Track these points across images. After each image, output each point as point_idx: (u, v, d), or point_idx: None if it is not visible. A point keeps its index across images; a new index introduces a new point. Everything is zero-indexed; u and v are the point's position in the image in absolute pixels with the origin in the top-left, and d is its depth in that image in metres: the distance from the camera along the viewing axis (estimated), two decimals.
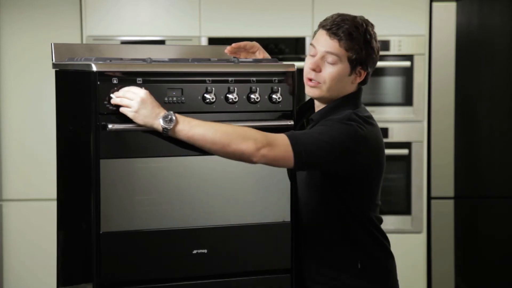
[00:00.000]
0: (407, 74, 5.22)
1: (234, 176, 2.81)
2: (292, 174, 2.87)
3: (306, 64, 2.83)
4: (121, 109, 2.64)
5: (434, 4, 5.23)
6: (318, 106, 2.88)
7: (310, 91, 2.83)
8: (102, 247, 2.68)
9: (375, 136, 2.80)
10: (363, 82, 2.86)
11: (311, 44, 2.84)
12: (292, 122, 2.84)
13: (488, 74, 5.30)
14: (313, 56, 2.81)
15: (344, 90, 2.83)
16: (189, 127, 2.64)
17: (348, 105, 2.82)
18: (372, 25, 2.83)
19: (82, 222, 2.78)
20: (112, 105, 2.64)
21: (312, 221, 2.86)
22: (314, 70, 2.80)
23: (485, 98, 5.31)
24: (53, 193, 3.13)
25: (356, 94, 2.87)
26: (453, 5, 5.24)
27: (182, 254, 2.77)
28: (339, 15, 2.82)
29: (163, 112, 2.63)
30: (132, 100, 2.62)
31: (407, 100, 5.23)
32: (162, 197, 2.75)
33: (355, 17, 2.82)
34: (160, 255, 2.75)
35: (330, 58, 2.78)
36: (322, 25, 2.82)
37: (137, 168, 2.71)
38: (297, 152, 2.66)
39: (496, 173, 5.32)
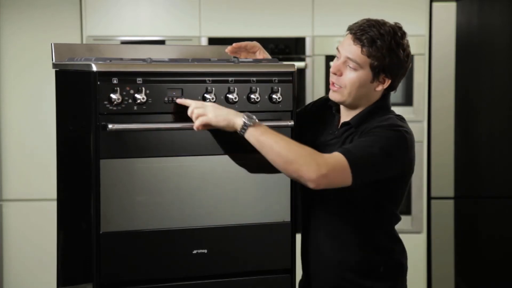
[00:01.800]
0: (407, 74, 5.21)
1: (234, 176, 2.81)
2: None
3: (331, 67, 2.83)
4: (197, 122, 2.66)
5: (434, 4, 5.23)
6: (346, 111, 2.87)
7: (332, 95, 2.82)
8: (102, 247, 2.68)
9: (414, 138, 2.81)
10: (391, 89, 2.84)
11: (337, 47, 2.82)
12: (292, 122, 2.84)
13: (488, 74, 5.30)
14: (338, 59, 2.81)
15: (369, 96, 2.81)
16: (262, 131, 2.64)
17: (381, 110, 2.82)
18: (402, 33, 2.78)
19: (82, 222, 2.78)
20: (112, 105, 2.64)
21: (338, 225, 2.85)
22: (335, 73, 2.79)
23: (485, 98, 5.31)
24: (53, 193, 3.13)
25: (386, 99, 2.86)
26: (453, 5, 5.24)
27: (182, 254, 2.77)
28: (368, 20, 2.79)
29: (243, 113, 2.66)
30: (203, 108, 2.66)
31: (407, 100, 5.23)
32: (162, 197, 2.75)
33: (384, 23, 2.77)
34: (160, 255, 2.75)
35: (351, 64, 2.76)
36: (349, 29, 2.79)
37: (137, 168, 2.71)
38: (355, 175, 2.64)
39: (496, 173, 5.32)
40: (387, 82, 2.80)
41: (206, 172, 2.79)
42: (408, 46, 2.80)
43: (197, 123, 2.67)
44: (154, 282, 2.75)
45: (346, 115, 2.87)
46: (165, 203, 2.76)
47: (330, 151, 2.74)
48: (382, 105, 2.85)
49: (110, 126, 2.62)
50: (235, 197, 2.82)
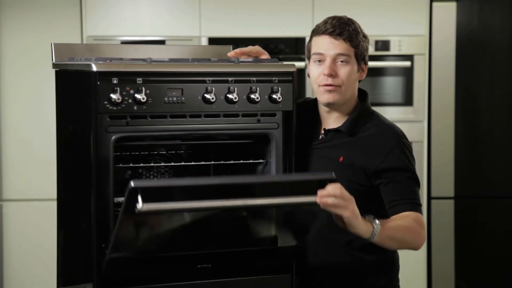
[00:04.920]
0: (407, 74, 5.22)
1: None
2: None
3: (316, 72, 2.84)
4: (334, 209, 2.53)
5: (434, 4, 5.23)
6: (329, 114, 2.90)
7: (329, 97, 2.83)
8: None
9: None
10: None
11: (315, 53, 2.85)
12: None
13: (488, 74, 5.30)
14: (320, 63, 2.83)
15: (354, 88, 2.88)
16: (384, 235, 2.64)
17: (367, 112, 2.89)
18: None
19: (82, 222, 2.78)
20: (112, 105, 2.64)
21: (333, 227, 2.85)
22: (331, 75, 2.81)
23: (485, 98, 5.31)
24: (53, 193, 3.13)
25: (367, 99, 2.92)
26: (453, 5, 5.24)
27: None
28: (333, 18, 2.86)
29: (370, 219, 2.65)
30: (346, 202, 2.53)
31: (407, 100, 5.23)
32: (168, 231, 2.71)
33: (344, 16, 2.88)
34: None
35: (342, 58, 2.82)
36: (322, 31, 2.84)
37: None
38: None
39: (496, 173, 5.32)
40: (365, 69, 2.90)
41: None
42: None
43: (331, 209, 2.53)
44: (155, 282, 2.74)
45: (328, 118, 2.91)
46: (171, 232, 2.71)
47: (317, 155, 2.86)
48: (366, 106, 2.91)
49: (139, 206, 2.39)
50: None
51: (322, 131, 2.92)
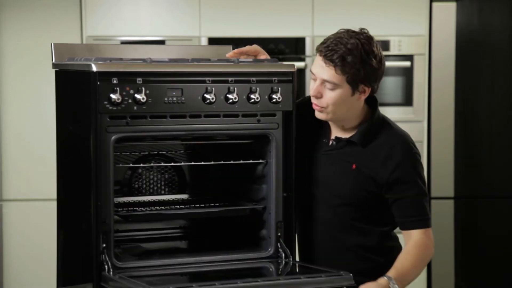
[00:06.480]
0: (407, 74, 5.22)
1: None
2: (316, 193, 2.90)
3: (310, 88, 2.83)
4: None
5: (434, 4, 5.23)
6: (335, 126, 2.91)
7: (318, 115, 2.84)
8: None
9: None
10: (372, 93, 2.83)
11: (311, 70, 2.82)
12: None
13: (488, 74, 5.30)
14: (314, 80, 2.81)
15: (353, 107, 2.82)
16: (401, 280, 2.74)
17: (379, 122, 2.86)
18: (369, 40, 2.76)
19: (82, 222, 2.78)
20: (112, 105, 2.64)
21: (341, 229, 2.88)
22: (316, 96, 2.79)
23: (485, 98, 5.31)
24: (53, 193, 3.12)
25: (377, 109, 2.88)
26: (453, 5, 5.24)
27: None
28: (336, 37, 2.76)
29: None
30: None
31: (407, 100, 5.23)
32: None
33: (350, 36, 2.75)
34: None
35: (329, 85, 2.76)
36: (318, 50, 2.79)
37: None
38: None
39: (496, 173, 5.32)
40: (368, 90, 2.80)
41: None
42: (379, 49, 2.78)
43: None
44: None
45: (338, 126, 2.89)
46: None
47: (329, 162, 2.87)
48: (377, 115, 2.87)
49: None
50: None
51: (333, 137, 2.90)
